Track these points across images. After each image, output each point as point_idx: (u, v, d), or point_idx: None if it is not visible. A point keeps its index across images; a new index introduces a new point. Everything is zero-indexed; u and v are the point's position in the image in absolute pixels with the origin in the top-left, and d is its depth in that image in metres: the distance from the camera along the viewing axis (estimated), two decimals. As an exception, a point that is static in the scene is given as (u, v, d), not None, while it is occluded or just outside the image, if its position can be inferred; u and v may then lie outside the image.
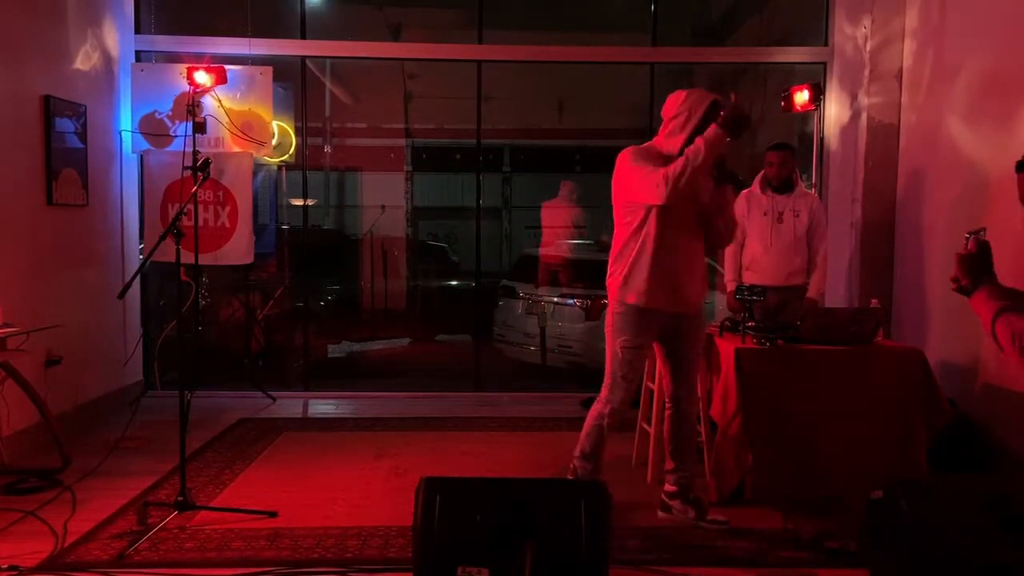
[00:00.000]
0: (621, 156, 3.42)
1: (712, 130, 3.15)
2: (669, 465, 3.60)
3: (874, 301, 4.22)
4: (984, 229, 2.12)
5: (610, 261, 3.50)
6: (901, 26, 5.38)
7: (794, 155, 4.66)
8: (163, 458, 4.27)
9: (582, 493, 2.62)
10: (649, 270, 3.33)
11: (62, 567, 3.04)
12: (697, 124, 3.28)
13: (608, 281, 3.50)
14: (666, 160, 3.27)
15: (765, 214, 4.61)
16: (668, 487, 3.59)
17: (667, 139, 3.37)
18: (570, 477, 3.51)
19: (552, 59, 6.66)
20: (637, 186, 3.31)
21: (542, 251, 7.80)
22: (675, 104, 3.37)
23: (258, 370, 6.56)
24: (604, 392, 3.47)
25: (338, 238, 10.16)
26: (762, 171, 4.70)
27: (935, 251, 4.92)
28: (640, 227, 3.36)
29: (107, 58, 5.48)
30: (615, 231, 3.49)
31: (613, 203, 3.48)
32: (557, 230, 7.84)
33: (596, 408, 3.48)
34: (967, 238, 2.12)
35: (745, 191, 4.71)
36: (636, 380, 3.49)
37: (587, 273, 7.25)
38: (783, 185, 4.62)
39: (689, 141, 3.25)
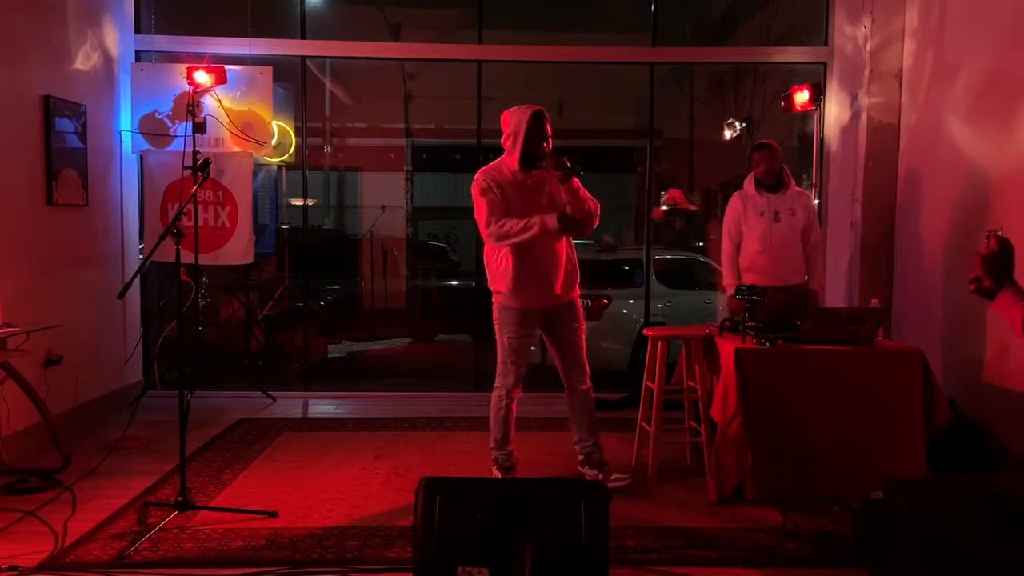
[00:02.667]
0: (474, 182, 3.79)
1: (552, 220, 3.59)
2: (574, 436, 4.06)
3: (874, 301, 4.23)
4: (1002, 229, 2.09)
5: (486, 266, 3.94)
6: (901, 26, 5.38)
7: (778, 152, 4.62)
8: (163, 458, 4.28)
9: (582, 493, 2.62)
10: (513, 276, 3.76)
11: (62, 567, 3.04)
12: (525, 135, 3.68)
13: (489, 283, 3.94)
14: (514, 174, 3.73)
15: (762, 214, 4.59)
16: (579, 456, 4.06)
17: (509, 154, 3.78)
18: (495, 470, 3.96)
19: (552, 59, 6.66)
20: (478, 220, 3.76)
21: None
22: (505, 123, 3.80)
23: (258, 370, 6.56)
24: (498, 379, 3.96)
25: (338, 238, 10.16)
26: (751, 172, 4.68)
27: (935, 251, 4.93)
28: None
29: (107, 58, 5.48)
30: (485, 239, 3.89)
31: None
32: None
33: (495, 395, 3.96)
34: (988, 237, 2.08)
35: (738, 193, 4.70)
36: (523, 364, 3.93)
37: (593, 272, 7.25)
38: (776, 184, 4.61)
39: (523, 156, 3.69)
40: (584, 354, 4.04)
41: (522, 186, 3.78)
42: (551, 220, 3.62)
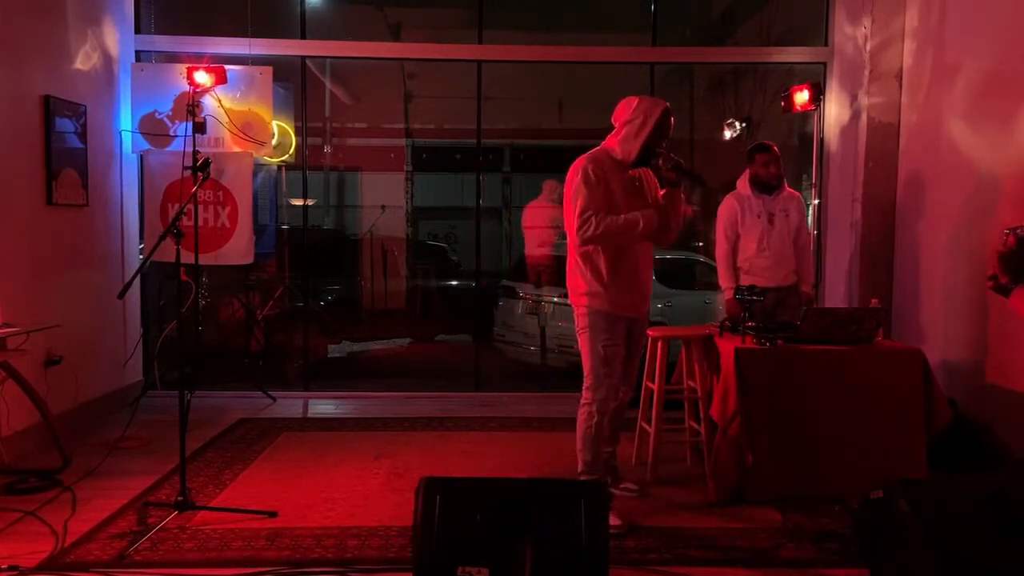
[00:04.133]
0: (574, 169, 3.51)
1: (650, 220, 3.38)
2: None
3: (874, 301, 4.23)
4: (1021, 227, 2.08)
5: (569, 265, 3.63)
6: (901, 26, 5.38)
7: (778, 154, 4.65)
8: (163, 458, 4.28)
9: (582, 493, 2.62)
10: (610, 278, 3.51)
11: (62, 567, 3.04)
12: (652, 128, 3.44)
13: (571, 286, 3.63)
14: (620, 166, 3.50)
15: (759, 216, 4.61)
16: None
17: (622, 143, 3.50)
18: None
19: (552, 59, 6.66)
20: (571, 214, 3.47)
21: (525, 251, 7.78)
22: (628, 109, 3.50)
23: (258, 370, 6.56)
24: (587, 394, 3.59)
25: (338, 238, 10.16)
26: (746, 172, 4.68)
27: (935, 251, 4.92)
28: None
29: (107, 58, 5.48)
30: (569, 235, 3.59)
31: (566, 209, 3.57)
32: (541, 230, 7.84)
33: (584, 411, 3.59)
34: (1006, 235, 2.08)
35: (733, 194, 4.70)
36: (615, 376, 3.60)
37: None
38: (775, 185, 4.63)
39: (644, 146, 3.45)
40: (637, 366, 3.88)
41: (624, 180, 3.53)
42: (649, 218, 3.37)
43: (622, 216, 3.42)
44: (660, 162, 3.50)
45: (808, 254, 4.80)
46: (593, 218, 3.39)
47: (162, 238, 3.37)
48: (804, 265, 4.76)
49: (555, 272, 7.37)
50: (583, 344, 3.60)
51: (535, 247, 7.75)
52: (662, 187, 3.64)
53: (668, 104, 3.50)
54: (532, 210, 7.92)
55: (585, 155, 3.57)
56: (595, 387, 3.57)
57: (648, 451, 4.13)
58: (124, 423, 4.76)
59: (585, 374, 3.61)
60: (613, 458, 3.93)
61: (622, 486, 3.85)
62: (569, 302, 3.69)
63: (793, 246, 4.68)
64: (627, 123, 3.50)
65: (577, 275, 3.60)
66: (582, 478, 3.56)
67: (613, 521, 3.40)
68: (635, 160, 3.51)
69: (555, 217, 7.75)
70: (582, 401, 3.61)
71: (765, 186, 4.62)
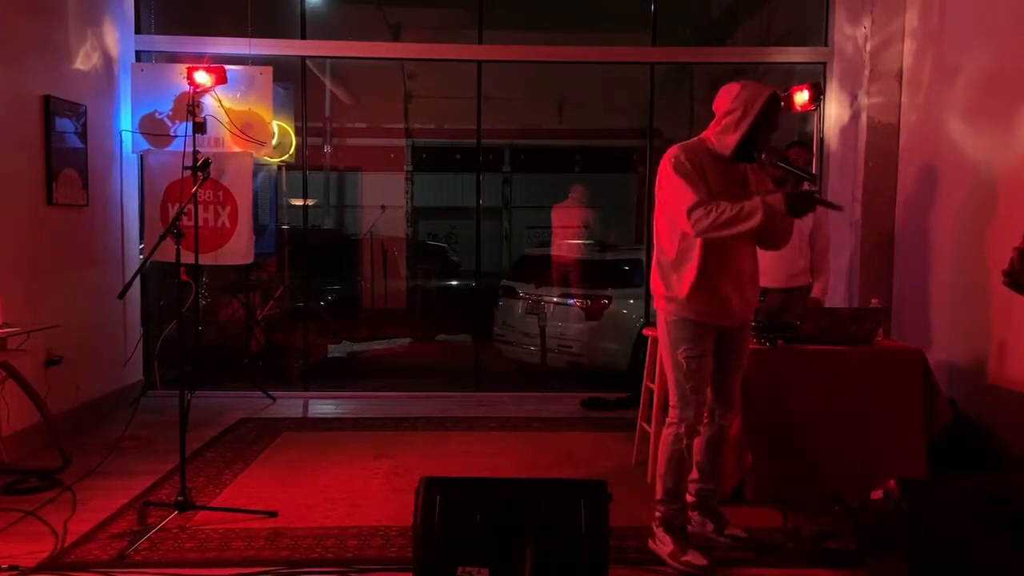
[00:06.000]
0: (665, 160, 3.12)
1: (779, 201, 2.91)
2: (693, 475, 3.38)
3: (874, 301, 4.23)
4: None
5: (654, 267, 3.25)
6: (901, 26, 5.38)
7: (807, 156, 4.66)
8: (163, 458, 4.28)
9: (582, 493, 2.62)
10: (696, 282, 3.08)
11: (62, 567, 3.04)
12: (753, 120, 3.02)
13: (654, 289, 3.26)
14: (717, 158, 3.11)
15: None
16: (688, 497, 3.37)
17: (719, 136, 3.09)
18: (658, 528, 3.19)
19: (552, 59, 6.66)
20: (675, 206, 3.05)
21: (552, 251, 7.80)
22: (728, 98, 3.08)
23: (258, 370, 6.56)
24: (674, 413, 3.19)
25: (338, 238, 10.17)
26: None
27: (935, 251, 4.93)
28: (686, 235, 3.08)
29: (107, 58, 5.48)
30: (656, 234, 3.24)
31: (657, 205, 3.22)
32: (567, 231, 7.86)
33: (670, 433, 3.20)
34: None
35: None
36: (705, 391, 3.20)
37: (593, 272, 7.30)
38: (794, 185, 4.60)
39: (744, 139, 3.03)
40: (740, 387, 3.44)
41: (725, 174, 3.11)
42: (776, 200, 2.89)
43: (734, 205, 2.94)
44: (764, 156, 3.06)
45: (825, 257, 4.68)
46: (701, 208, 2.94)
47: (162, 238, 3.37)
48: (818, 268, 4.67)
49: (580, 273, 7.39)
50: (665, 358, 3.25)
51: (562, 248, 7.76)
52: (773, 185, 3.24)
53: (775, 90, 3.06)
54: (560, 211, 7.92)
55: (677, 144, 3.16)
56: (682, 406, 3.16)
57: (648, 451, 4.13)
58: (124, 423, 4.75)
59: (670, 392, 3.22)
60: (714, 497, 3.42)
61: (727, 533, 3.32)
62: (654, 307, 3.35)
63: (810, 248, 4.65)
64: (727, 114, 3.07)
65: (658, 277, 3.21)
66: (660, 509, 3.21)
67: (697, 561, 3.06)
68: (732, 155, 3.08)
69: (583, 219, 7.78)
70: (668, 420, 3.23)
71: (782, 183, 4.59)
